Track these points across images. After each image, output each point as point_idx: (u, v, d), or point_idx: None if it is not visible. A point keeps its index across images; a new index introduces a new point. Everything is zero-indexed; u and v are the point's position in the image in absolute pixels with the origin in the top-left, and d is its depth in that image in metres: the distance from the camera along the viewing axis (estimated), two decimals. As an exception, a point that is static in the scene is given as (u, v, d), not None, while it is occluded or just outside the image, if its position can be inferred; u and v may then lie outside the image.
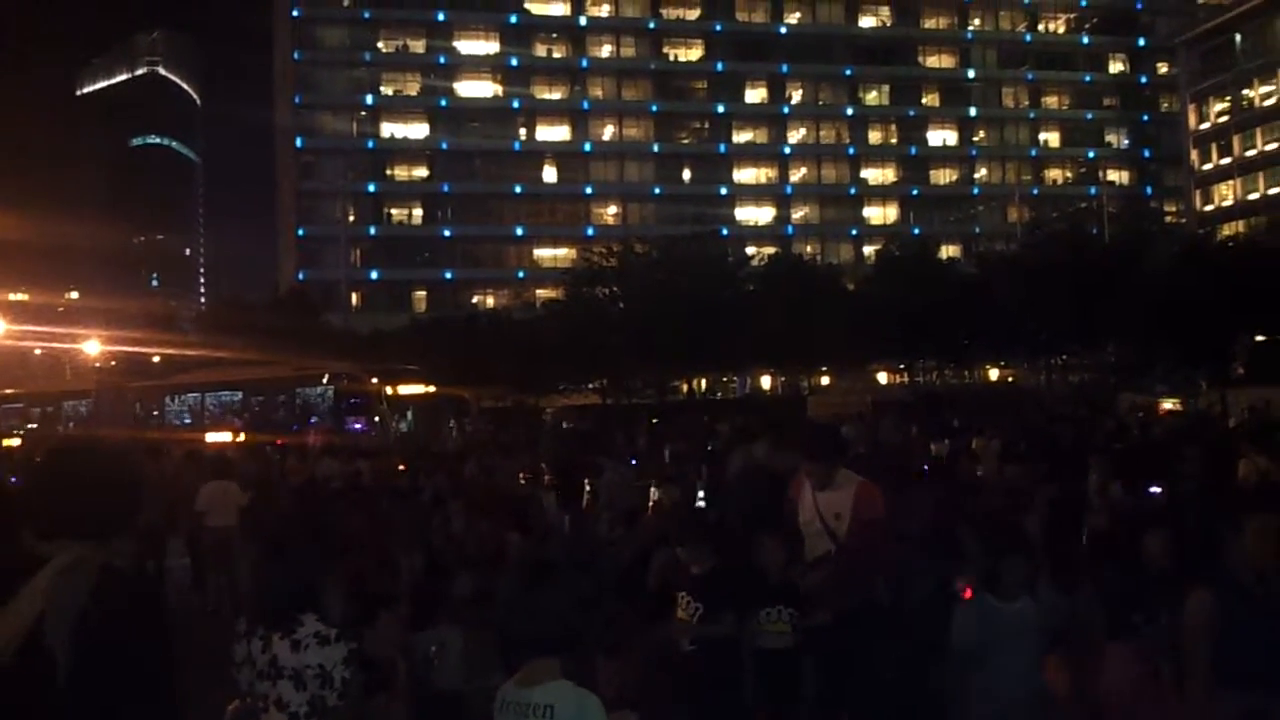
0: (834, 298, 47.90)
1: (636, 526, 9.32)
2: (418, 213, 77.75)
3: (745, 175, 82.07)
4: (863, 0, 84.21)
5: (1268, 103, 70.05)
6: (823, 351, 47.44)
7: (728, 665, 5.77)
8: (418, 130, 77.44)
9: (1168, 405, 31.16)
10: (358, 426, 26.65)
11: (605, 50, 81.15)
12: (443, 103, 76.92)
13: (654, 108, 79.84)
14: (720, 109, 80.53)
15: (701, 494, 10.96)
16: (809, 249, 73.32)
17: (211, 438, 26.86)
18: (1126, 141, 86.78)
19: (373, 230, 73.71)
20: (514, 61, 77.79)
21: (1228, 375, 37.45)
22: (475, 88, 78.42)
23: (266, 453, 18.96)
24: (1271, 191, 68.93)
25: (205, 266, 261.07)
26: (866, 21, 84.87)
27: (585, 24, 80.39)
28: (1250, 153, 71.24)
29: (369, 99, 76.18)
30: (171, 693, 2.69)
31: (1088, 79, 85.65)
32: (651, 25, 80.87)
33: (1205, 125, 75.95)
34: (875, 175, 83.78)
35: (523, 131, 78.70)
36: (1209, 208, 74.34)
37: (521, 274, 74.94)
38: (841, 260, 70.40)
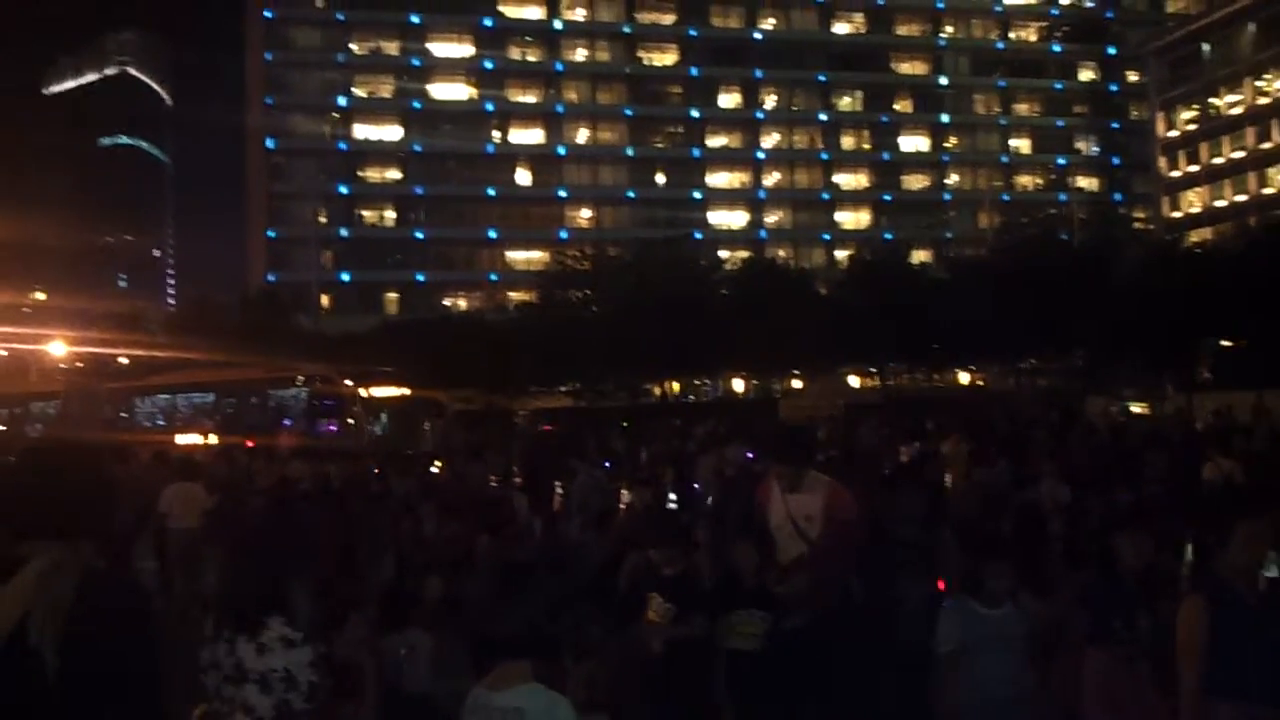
0: (806, 301, 47.95)
1: (608, 529, 9.32)
2: (390, 215, 77.32)
3: (719, 180, 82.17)
4: (837, 7, 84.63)
5: (1234, 111, 70.79)
6: (795, 355, 47.53)
7: (699, 667, 5.76)
8: (391, 132, 77.02)
9: (1135, 409, 31.47)
10: (332, 429, 26.49)
11: (580, 54, 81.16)
12: (416, 105, 76.64)
13: (628, 112, 79.86)
14: (694, 114, 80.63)
15: (673, 496, 10.97)
16: (782, 253, 73.30)
17: (182, 439, 26.61)
18: (1096, 149, 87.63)
19: (344, 232, 73.09)
20: (488, 64, 77.52)
21: (1194, 380, 37.84)
22: (449, 90, 78.16)
23: (235, 455, 18.76)
24: (1238, 199, 69.63)
25: (174, 268, 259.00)
26: (840, 28, 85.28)
27: (560, 28, 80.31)
28: (1217, 160, 71.93)
29: (342, 100, 75.75)
30: (159, 692, 2.70)
31: (1058, 86, 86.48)
32: (626, 30, 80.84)
33: (1174, 133, 76.67)
34: (848, 180, 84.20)
35: (496, 134, 78.54)
36: (1177, 214, 75.02)
37: (494, 277, 74.68)
38: (814, 264, 70.49)
